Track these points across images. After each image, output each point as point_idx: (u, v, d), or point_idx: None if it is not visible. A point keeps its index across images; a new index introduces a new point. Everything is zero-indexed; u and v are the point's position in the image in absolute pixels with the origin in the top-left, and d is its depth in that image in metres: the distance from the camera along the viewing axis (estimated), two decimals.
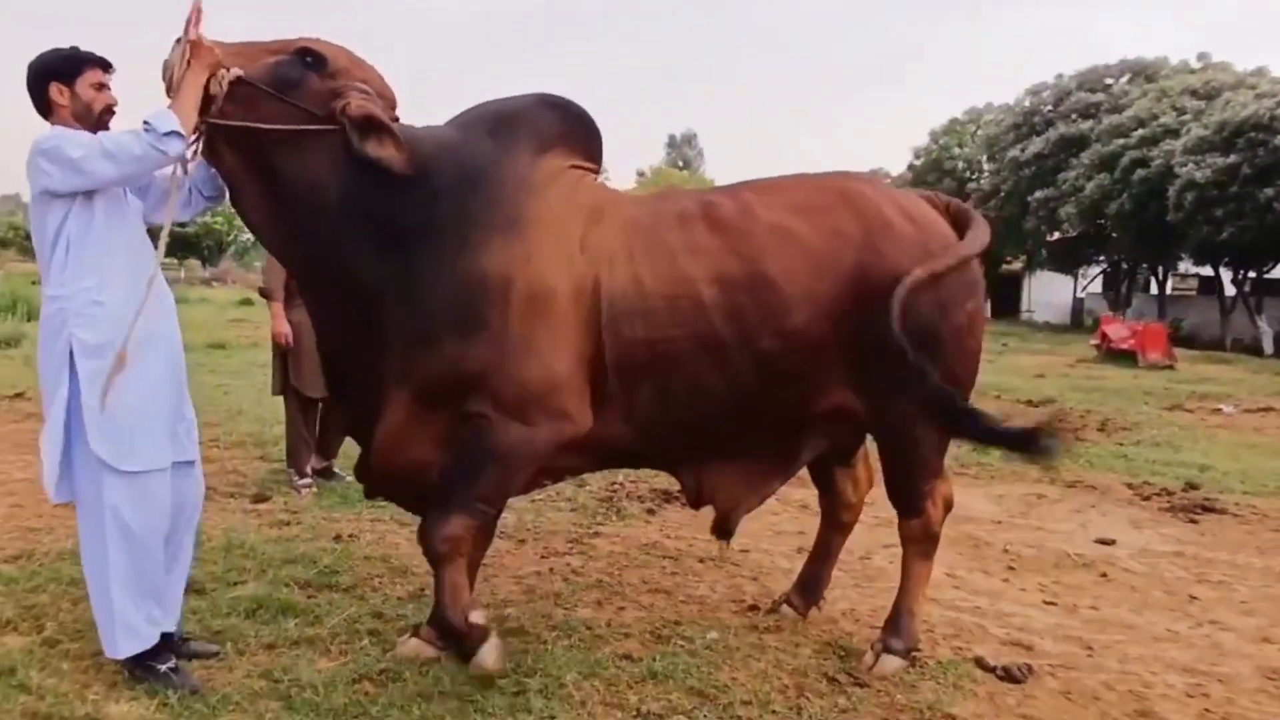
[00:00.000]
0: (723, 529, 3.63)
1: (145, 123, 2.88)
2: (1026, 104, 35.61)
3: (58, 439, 2.97)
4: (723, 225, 3.26)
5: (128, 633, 3.04)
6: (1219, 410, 11.73)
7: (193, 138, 2.99)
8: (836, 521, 4.00)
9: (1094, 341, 20.62)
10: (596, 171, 3.43)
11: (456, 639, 3.22)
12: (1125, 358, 18.44)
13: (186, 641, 3.35)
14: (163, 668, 3.09)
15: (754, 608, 4.12)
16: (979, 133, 41.63)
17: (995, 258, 45.57)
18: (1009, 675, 3.50)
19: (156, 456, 3.06)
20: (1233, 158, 21.41)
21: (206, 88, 2.93)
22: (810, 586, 4.01)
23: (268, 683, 3.17)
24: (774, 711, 3.14)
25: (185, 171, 3.12)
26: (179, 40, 2.96)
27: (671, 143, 78.36)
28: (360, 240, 3.08)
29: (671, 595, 4.26)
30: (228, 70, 2.96)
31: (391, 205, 3.07)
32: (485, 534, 3.51)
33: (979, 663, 3.62)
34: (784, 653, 3.62)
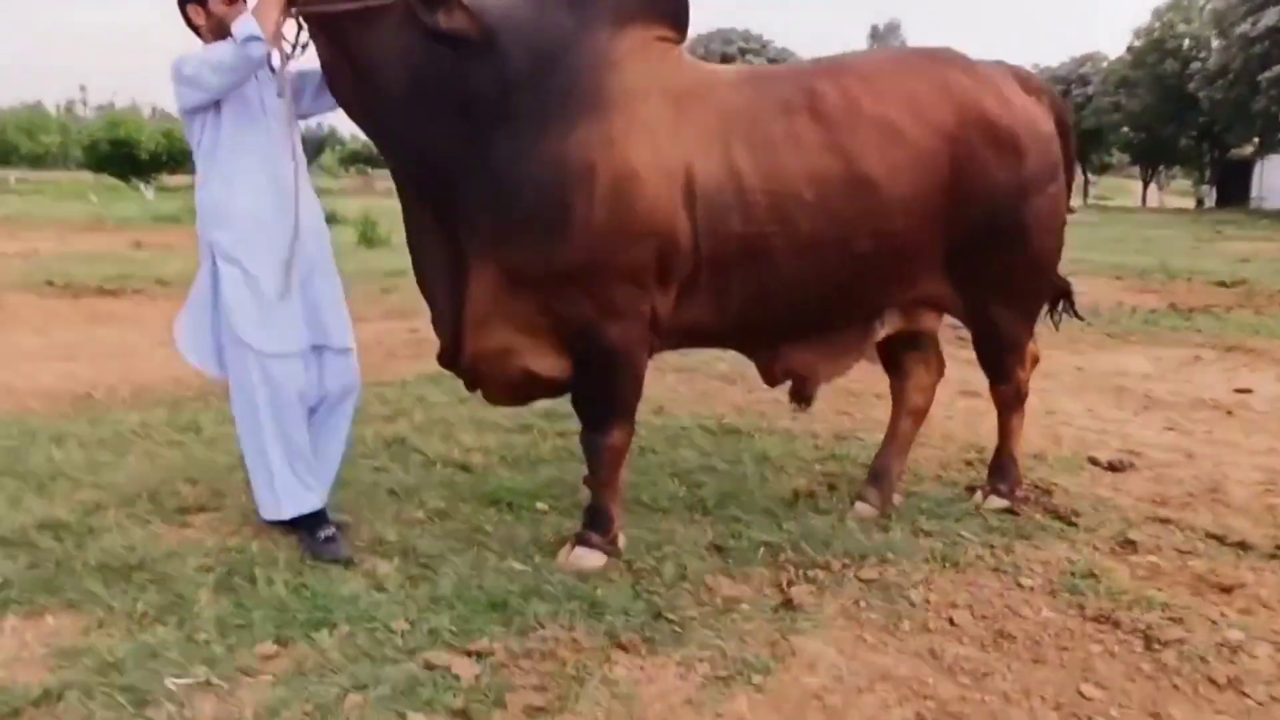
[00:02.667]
0: (801, 394, 3.70)
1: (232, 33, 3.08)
2: None
3: (205, 323, 3.33)
4: (826, 118, 3.21)
5: (289, 495, 3.32)
6: None
7: (299, 28, 3.14)
8: (910, 405, 3.98)
9: None
10: (680, 41, 3.29)
11: (602, 525, 3.32)
12: None
13: (346, 527, 3.58)
14: (322, 534, 3.34)
15: None
16: (1207, 7, 38.90)
17: (1222, 142, 42.92)
18: (1111, 466, 4.54)
19: (292, 340, 3.31)
20: None
21: None
22: (885, 479, 3.91)
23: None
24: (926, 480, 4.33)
25: (287, 62, 3.21)
26: None
27: (874, 34, 75.78)
28: (436, 122, 3.08)
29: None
30: None
31: (464, 84, 3.04)
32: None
33: (1091, 459, 4.65)
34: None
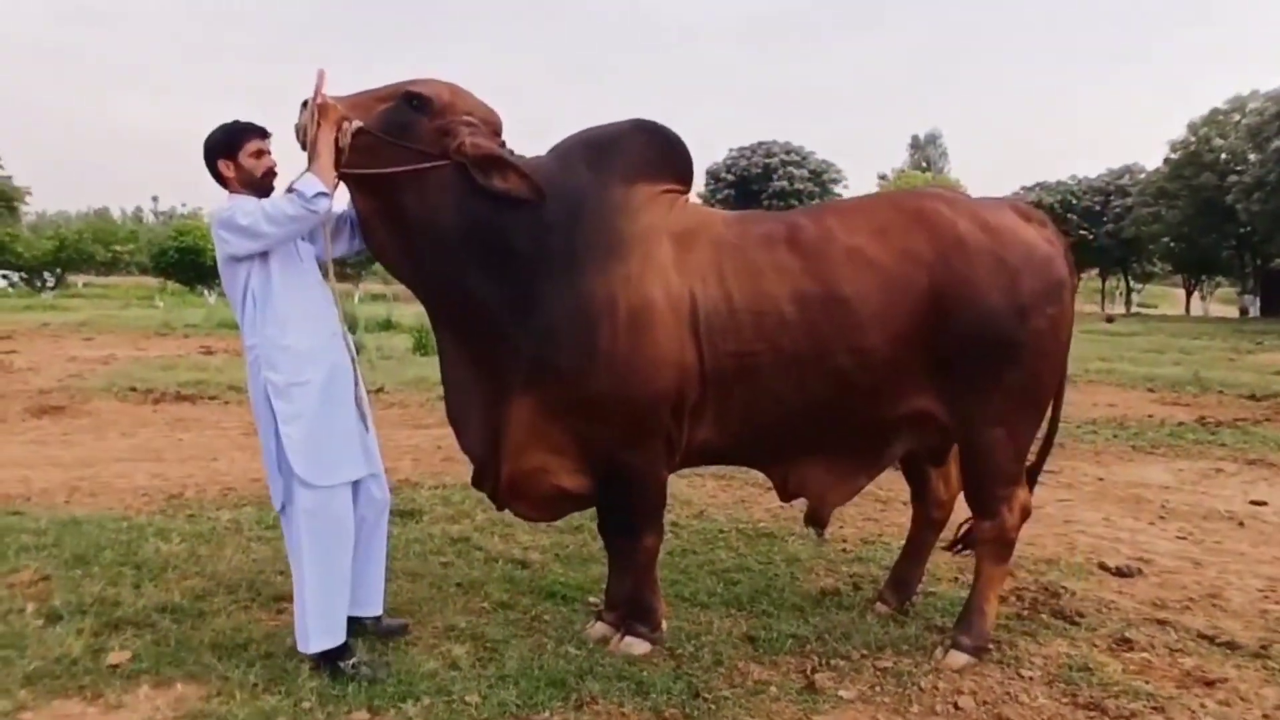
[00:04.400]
0: (816, 518, 3.89)
1: (292, 188, 3.30)
2: None
3: (273, 461, 3.45)
4: (803, 247, 3.52)
5: (319, 631, 3.43)
6: None
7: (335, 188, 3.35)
8: (928, 519, 4.22)
9: None
10: (686, 192, 3.73)
11: (646, 617, 3.72)
12: None
13: (379, 620, 3.81)
14: (347, 665, 3.42)
15: None
16: (1242, 122, 39.58)
17: (1262, 252, 43.05)
18: (1120, 572, 4.89)
19: (345, 471, 3.51)
20: None
21: (335, 142, 3.30)
22: (903, 584, 4.24)
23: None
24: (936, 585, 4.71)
25: (330, 217, 3.48)
26: (305, 103, 3.34)
27: (915, 144, 77.09)
28: (478, 267, 3.42)
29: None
30: (350, 123, 3.31)
31: (504, 233, 3.40)
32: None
33: (1101, 565, 5.00)
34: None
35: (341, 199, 3.51)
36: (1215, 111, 42.50)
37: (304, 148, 3.36)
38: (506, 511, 3.88)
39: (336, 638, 3.48)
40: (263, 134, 3.53)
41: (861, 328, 3.47)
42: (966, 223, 3.57)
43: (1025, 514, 3.82)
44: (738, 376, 3.48)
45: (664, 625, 3.79)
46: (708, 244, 3.53)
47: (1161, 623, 4.16)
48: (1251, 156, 37.62)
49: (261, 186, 3.48)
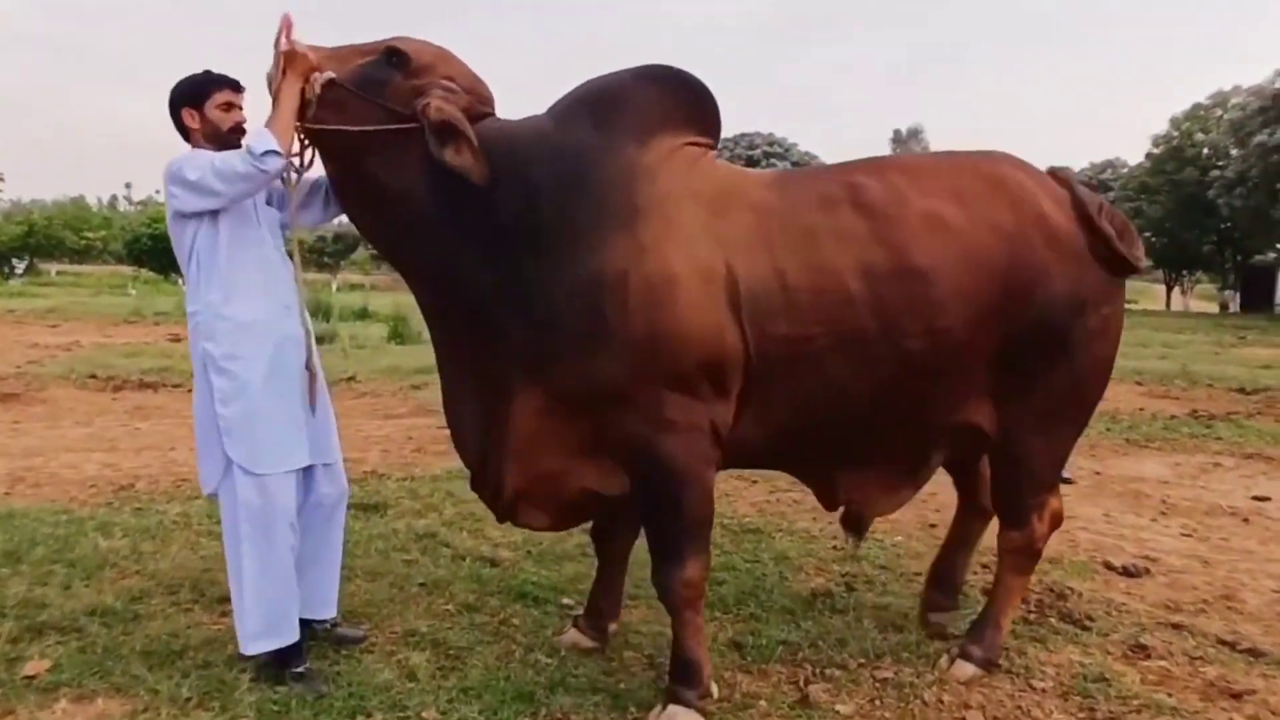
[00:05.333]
0: (856, 524, 3.51)
1: (245, 144, 3.02)
2: (1277, 85, 33.68)
3: (206, 441, 3.18)
4: (870, 209, 3.02)
5: (260, 631, 3.13)
6: None
7: (303, 144, 3.13)
8: (977, 507, 3.78)
9: None
10: (713, 146, 3.15)
11: (692, 679, 3.01)
12: None
13: (334, 625, 3.50)
14: (292, 670, 3.15)
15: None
16: (1224, 117, 39.59)
17: (1243, 248, 43.17)
18: (1126, 571, 4.61)
19: (288, 458, 3.17)
20: None
21: (304, 93, 2.98)
22: (947, 578, 3.81)
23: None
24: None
25: (297, 178, 3.21)
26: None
27: (897, 138, 77.13)
28: (462, 245, 2.98)
29: None
30: (320, 74, 2.98)
31: (490, 207, 2.94)
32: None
33: (1106, 564, 4.73)
34: None
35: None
36: (1198, 106, 42.48)
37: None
38: (477, 505, 3.49)
39: (283, 638, 3.16)
40: (234, 86, 3.25)
41: (938, 306, 2.99)
42: (1048, 199, 3.17)
43: (1056, 523, 3.48)
44: (789, 363, 2.95)
45: (714, 690, 3.09)
46: (746, 209, 3.00)
47: (1177, 627, 3.88)
48: (1233, 152, 37.55)
49: (226, 142, 3.16)
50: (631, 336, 2.81)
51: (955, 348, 3.05)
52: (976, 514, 3.80)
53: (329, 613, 3.48)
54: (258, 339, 3.14)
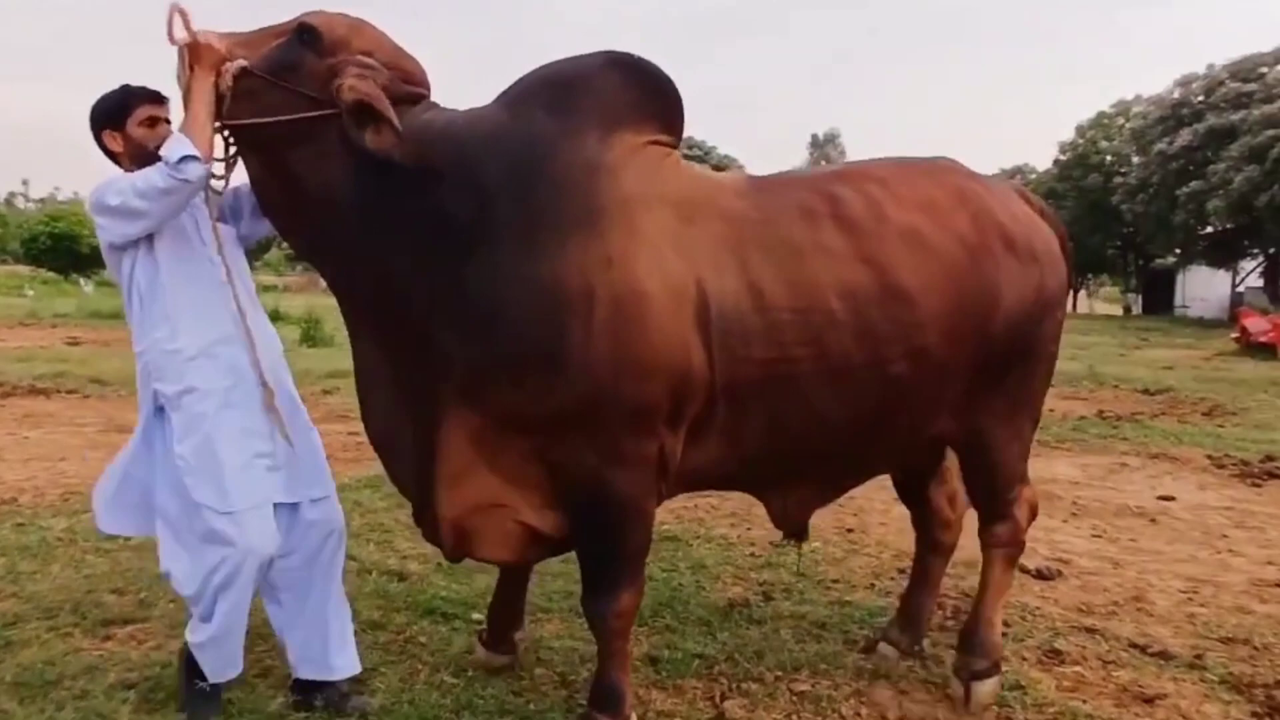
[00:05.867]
0: (796, 530, 3.39)
1: (162, 154, 2.68)
2: (1175, 95, 35.03)
3: (117, 477, 2.99)
4: (852, 225, 2.85)
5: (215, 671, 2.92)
6: None
7: (228, 144, 2.80)
8: (935, 543, 3.68)
9: (1234, 335, 20.66)
10: (675, 145, 2.89)
11: (613, 705, 2.82)
12: (1267, 351, 18.53)
13: (342, 693, 3.05)
14: (198, 686, 2.94)
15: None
16: (1126, 126, 41.00)
17: (1145, 252, 44.74)
18: (1040, 574, 4.63)
19: (253, 493, 2.84)
20: None
21: (217, 88, 2.65)
22: (915, 621, 3.64)
23: None
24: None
25: (224, 184, 2.91)
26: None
27: (815, 142, 77.98)
28: (397, 248, 2.66)
29: None
30: (231, 64, 2.65)
31: (432, 204, 2.63)
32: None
33: (1021, 568, 4.72)
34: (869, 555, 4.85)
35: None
36: (1102, 115, 43.91)
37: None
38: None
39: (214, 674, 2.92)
40: (155, 99, 2.90)
41: (922, 326, 2.86)
42: (1003, 210, 3.11)
43: (1034, 512, 3.45)
44: (764, 388, 2.74)
45: (633, 715, 2.91)
46: (718, 218, 2.74)
47: (1090, 630, 3.89)
48: (1135, 159, 38.91)
49: (154, 160, 2.75)
50: (593, 358, 2.53)
51: (936, 366, 2.95)
52: (935, 550, 3.70)
53: (334, 671, 3.03)
54: (211, 370, 2.84)
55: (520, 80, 2.79)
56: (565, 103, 2.69)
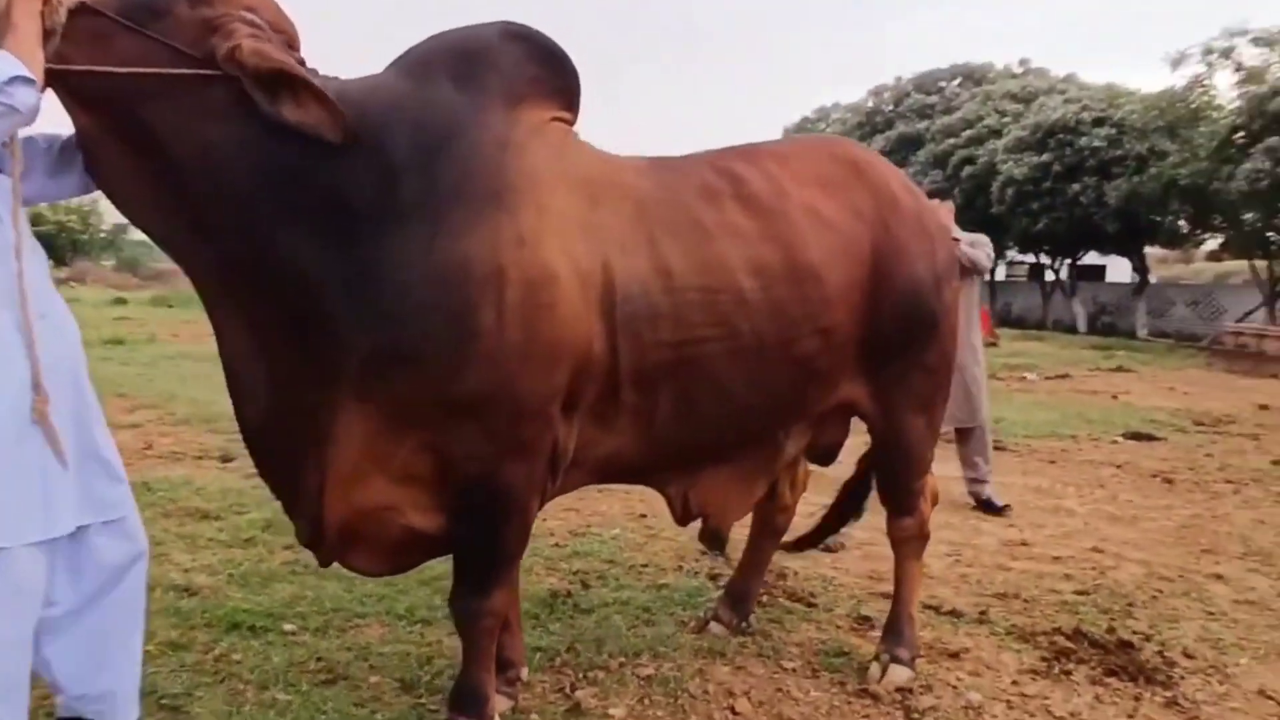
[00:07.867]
0: (715, 539, 3.40)
1: None
2: (870, 104, 38.00)
3: None
4: (756, 203, 2.85)
5: None
6: (1024, 378, 13.71)
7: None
8: (770, 526, 3.75)
9: None
10: (572, 122, 2.79)
11: (476, 706, 2.75)
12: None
13: None
14: None
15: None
16: (827, 131, 44.24)
17: None
18: (827, 548, 4.92)
19: (24, 528, 2.31)
20: (1045, 156, 24.04)
21: (42, 19, 2.17)
22: (742, 598, 3.73)
23: None
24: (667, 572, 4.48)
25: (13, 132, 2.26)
26: None
27: None
28: (287, 225, 2.38)
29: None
30: None
31: (328, 177, 2.38)
32: None
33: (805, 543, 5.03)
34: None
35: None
36: (805, 120, 47.02)
37: None
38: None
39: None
40: None
41: (827, 302, 2.89)
42: (896, 181, 3.19)
43: (935, 500, 3.58)
44: (674, 370, 2.68)
45: (496, 717, 2.82)
46: (621, 198, 2.67)
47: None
48: None
49: None
50: (504, 343, 2.40)
51: (839, 344, 2.99)
52: (769, 534, 3.78)
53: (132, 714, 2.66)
54: None
55: (417, 47, 2.60)
56: (469, 75, 2.54)
